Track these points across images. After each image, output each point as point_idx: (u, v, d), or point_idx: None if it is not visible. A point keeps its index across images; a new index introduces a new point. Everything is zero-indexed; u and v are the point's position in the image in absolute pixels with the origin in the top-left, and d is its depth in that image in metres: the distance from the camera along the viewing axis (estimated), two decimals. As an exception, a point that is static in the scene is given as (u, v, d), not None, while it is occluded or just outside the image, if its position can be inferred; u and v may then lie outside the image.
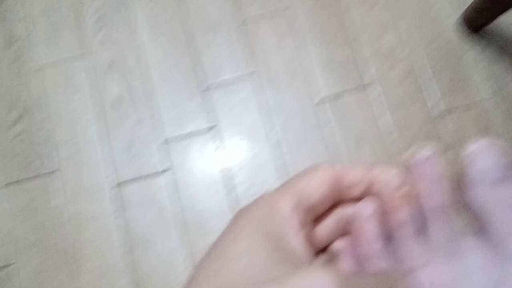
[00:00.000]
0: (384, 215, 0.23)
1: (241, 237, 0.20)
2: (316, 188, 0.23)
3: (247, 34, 1.04)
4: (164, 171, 0.97)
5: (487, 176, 0.20)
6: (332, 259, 0.25)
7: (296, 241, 0.21)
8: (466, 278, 0.20)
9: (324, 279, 0.17)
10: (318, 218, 0.24)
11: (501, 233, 0.19)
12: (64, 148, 0.99)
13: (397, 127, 0.98)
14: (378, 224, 0.23)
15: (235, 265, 0.19)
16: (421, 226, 0.22)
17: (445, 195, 0.21)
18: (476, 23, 1.02)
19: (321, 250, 0.25)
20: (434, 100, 1.00)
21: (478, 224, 0.21)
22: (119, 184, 0.96)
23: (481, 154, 0.20)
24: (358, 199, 0.24)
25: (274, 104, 1.00)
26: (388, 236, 0.23)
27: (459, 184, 0.21)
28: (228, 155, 0.97)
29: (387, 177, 0.23)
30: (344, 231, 0.25)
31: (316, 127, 0.98)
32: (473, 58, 1.02)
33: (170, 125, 0.99)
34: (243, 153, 0.98)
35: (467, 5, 1.02)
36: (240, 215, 0.22)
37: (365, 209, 0.23)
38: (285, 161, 0.97)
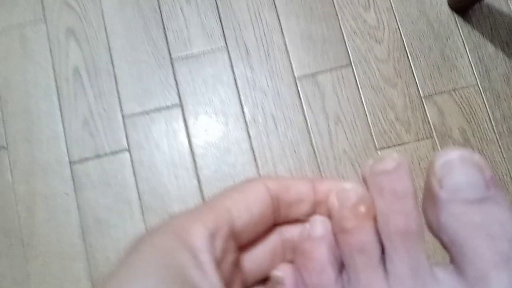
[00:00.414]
0: (336, 239, 0.19)
1: (139, 275, 0.15)
2: (246, 207, 0.19)
3: (219, 5, 0.96)
4: (123, 150, 0.89)
5: (461, 195, 0.16)
6: None
7: (208, 281, 0.16)
8: None
9: None
10: (253, 242, 0.20)
11: (477, 269, 0.16)
12: (15, 122, 0.91)
13: (375, 111, 0.92)
14: (330, 250, 0.19)
15: None
16: (381, 253, 0.18)
17: (411, 216, 0.17)
18: (460, 4, 0.96)
19: (256, 282, 0.21)
20: (415, 84, 0.93)
21: (450, 255, 0.17)
22: (75, 162, 0.89)
23: (454, 168, 0.16)
24: (304, 220, 0.20)
25: (246, 81, 0.93)
26: (342, 264, 0.19)
27: (427, 204, 0.17)
28: (193, 135, 0.90)
29: (341, 193, 0.18)
30: (285, 258, 0.21)
31: (291, 108, 0.92)
32: (459, 41, 0.96)
33: (131, 101, 0.91)
34: (210, 134, 0.90)
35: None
36: (143, 243, 0.17)
37: (315, 230, 0.19)
38: (256, 144, 0.90)
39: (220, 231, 0.17)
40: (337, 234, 0.18)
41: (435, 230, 0.17)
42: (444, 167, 0.16)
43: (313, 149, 0.90)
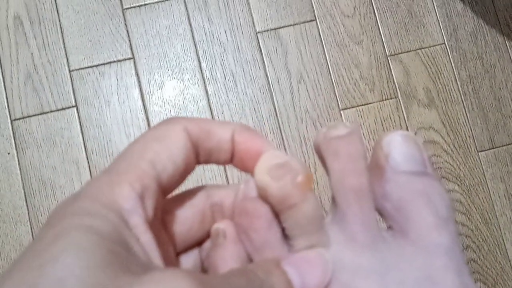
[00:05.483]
0: (279, 213, 0.19)
1: (61, 238, 0.14)
2: (170, 159, 0.17)
3: (176, -49, 0.89)
4: (70, 106, 0.83)
5: (405, 167, 0.18)
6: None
7: (142, 245, 0.15)
8: (380, 275, 0.17)
9: (180, 285, 0.13)
10: (179, 203, 0.20)
11: (421, 229, 0.18)
12: (-52, 75, 0.83)
13: (339, 69, 0.88)
14: (271, 208, 0.19)
15: (51, 269, 0.13)
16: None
17: (364, 175, 0.18)
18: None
19: (187, 248, 0.20)
20: (381, 41, 0.90)
21: (392, 223, 0.18)
22: (17, 120, 0.82)
23: (399, 144, 0.18)
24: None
25: (203, 34, 0.87)
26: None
27: (373, 176, 0.19)
28: (147, 92, 0.84)
29: (275, 170, 0.18)
30: (215, 222, 0.20)
31: (251, 64, 0.87)
32: (428, -3, 0.92)
33: (77, 54, 0.84)
34: (165, 90, 0.85)
35: None
36: (58, 214, 0.15)
37: (252, 191, 0.19)
38: (215, 101, 0.85)
39: (149, 190, 0.16)
40: (281, 210, 0.18)
41: (379, 199, 0.18)
42: (390, 143, 0.18)
43: (274, 108, 0.86)
